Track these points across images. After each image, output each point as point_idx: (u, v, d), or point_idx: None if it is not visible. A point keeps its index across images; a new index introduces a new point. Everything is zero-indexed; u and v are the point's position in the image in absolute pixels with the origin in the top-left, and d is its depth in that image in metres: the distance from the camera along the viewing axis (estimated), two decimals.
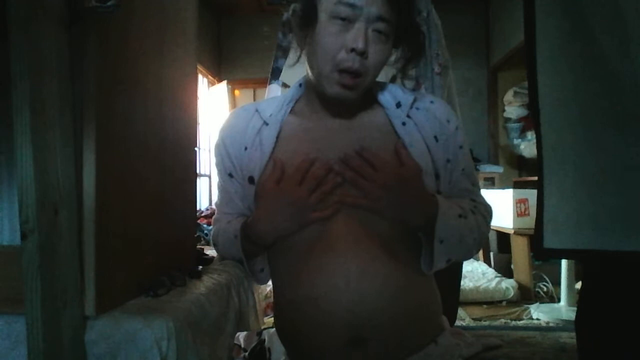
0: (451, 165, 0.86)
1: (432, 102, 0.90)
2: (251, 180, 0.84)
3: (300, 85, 0.91)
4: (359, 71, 0.78)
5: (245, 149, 0.86)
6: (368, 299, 0.76)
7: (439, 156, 0.85)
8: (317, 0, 0.79)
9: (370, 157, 0.76)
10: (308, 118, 0.87)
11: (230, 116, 0.93)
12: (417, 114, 0.87)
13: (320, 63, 0.79)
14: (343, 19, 0.76)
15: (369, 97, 0.89)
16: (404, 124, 0.85)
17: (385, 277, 0.78)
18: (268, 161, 0.83)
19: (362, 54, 0.76)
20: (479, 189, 0.93)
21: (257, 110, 0.89)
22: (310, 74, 0.85)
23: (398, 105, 0.87)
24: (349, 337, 0.76)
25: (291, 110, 0.89)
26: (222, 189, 0.93)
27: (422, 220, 0.78)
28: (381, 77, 0.92)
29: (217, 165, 0.92)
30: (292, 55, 0.90)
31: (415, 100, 0.88)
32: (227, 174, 0.90)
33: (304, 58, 0.86)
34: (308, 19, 0.80)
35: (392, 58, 0.87)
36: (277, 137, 0.85)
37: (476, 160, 4.10)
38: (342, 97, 0.80)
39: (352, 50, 0.76)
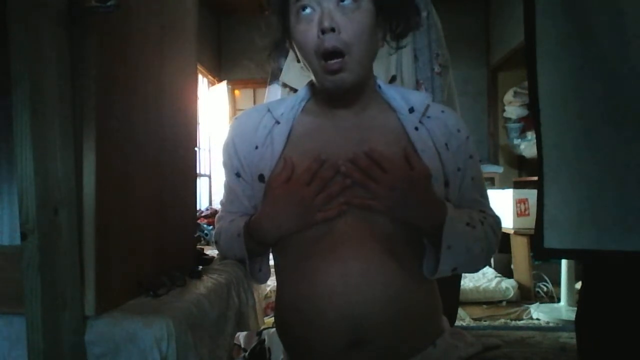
0: (461, 174, 0.87)
1: (443, 111, 0.90)
2: (261, 178, 0.85)
3: (311, 85, 0.91)
4: (338, 48, 0.77)
5: (256, 147, 0.87)
6: (368, 300, 0.76)
7: (449, 164, 0.85)
8: (286, 11, 0.82)
9: (379, 158, 0.76)
10: (319, 117, 0.87)
11: (242, 116, 0.94)
12: (429, 121, 0.87)
13: (306, 60, 0.81)
14: (305, 9, 0.78)
15: (379, 99, 0.89)
16: (416, 129, 0.85)
17: (387, 278, 0.78)
18: (279, 159, 0.83)
19: (332, 30, 0.76)
20: (488, 201, 0.92)
21: (269, 110, 0.90)
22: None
23: (411, 110, 0.87)
24: (349, 338, 0.76)
25: (302, 110, 0.89)
26: (228, 188, 0.93)
27: (429, 224, 0.78)
28: (381, 78, 0.92)
29: (225, 164, 0.93)
30: (287, 73, 0.92)
31: (427, 109, 0.88)
32: (235, 173, 0.90)
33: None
34: (286, 30, 0.83)
35: (380, 35, 0.86)
36: (289, 136, 0.85)
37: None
38: (337, 83, 0.80)
39: (322, 32, 0.77)
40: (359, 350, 0.76)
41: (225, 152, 0.92)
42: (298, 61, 0.87)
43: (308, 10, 0.78)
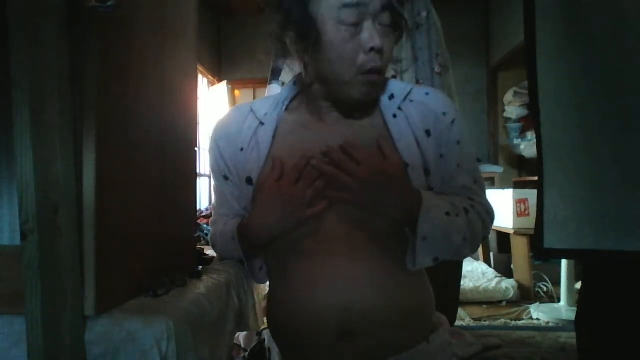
0: (445, 161, 0.84)
1: (427, 93, 0.86)
2: (249, 181, 0.84)
3: (294, 83, 0.90)
4: (382, 69, 0.78)
5: (242, 150, 0.86)
6: (356, 294, 0.77)
7: (430, 151, 0.82)
8: (314, 11, 0.76)
9: (353, 151, 0.75)
10: (304, 115, 0.87)
11: (224, 117, 0.93)
12: (410, 106, 0.84)
13: (339, 71, 0.78)
14: (352, 23, 0.75)
15: None
16: (395, 116, 0.83)
17: (375, 273, 0.78)
18: (266, 161, 0.83)
19: (381, 51, 0.76)
20: (482, 188, 0.89)
21: (251, 110, 0.89)
22: (309, 77, 0.84)
23: (391, 97, 0.86)
24: (338, 331, 0.77)
25: (286, 109, 0.89)
26: (217, 191, 0.93)
27: (404, 215, 0.77)
28: None
29: (212, 167, 0.92)
30: (287, 72, 0.90)
31: (410, 93, 0.86)
32: (222, 176, 0.90)
33: (299, 67, 0.85)
34: (307, 31, 0.77)
35: None
36: (274, 136, 0.85)
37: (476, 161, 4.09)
38: (369, 96, 0.80)
39: (371, 49, 0.75)
40: (348, 343, 0.77)
41: (211, 156, 0.92)
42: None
43: (353, 26, 0.75)
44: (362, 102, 0.81)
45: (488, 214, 0.86)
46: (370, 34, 0.75)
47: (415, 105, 0.85)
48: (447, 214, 0.78)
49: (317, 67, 0.81)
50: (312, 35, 0.77)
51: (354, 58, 0.76)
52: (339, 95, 0.81)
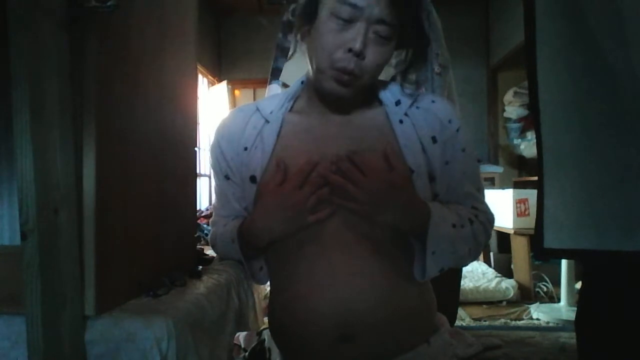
0: (450, 168, 0.84)
1: (433, 101, 0.87)
2: (253, 179, 0.84)
3: (302, 82, 0.90)
4: (354, 72, 0.77)
5: (245, 149, 0.86)
6: (355, 298, 0.77)
7: (435, 158, 0.83)
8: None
9: (360, 161, 0.75)
10: (308, 115, 0.87)
11: (227, 117, 0.93)
12: (417, 112, 0.85)
13: (317, 58, 0.79)
14: (344, 19, 0.75)
15: (371, 95, 0.89)
16: (401, 121, 0.84)
17: (374, 277, 0.78)
18: (270, 159, 0.83)
19: (359, 55, 0.76)
20: (483, 195, 0.90)
21: (257, 109, 0.89)
22: (309, 69, 0.85)
23: (398, 103, 0.86)
24: (338, 334, 0.77)
25: (292, 108, 0.89)
26: (218, 191, 0.93)
27: (411, 226, 0.78)
28: (381, 77, 0.92)
29: (213, 167, 0.92)
30: (291, 49, 0.90)
31: (416, 99, 0.86)
32: (224, 176, 0.90)
33: (303, 55, 0.86)
34: (309, 13, 0.79)
35: (394, 61, 0.87)
36: (278, 135, 0.85)
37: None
38: (336, 92, 0.80)
39: (349, 50, 0.75)
40: (348, 345, 0.77)
41: (213, 155, 0.92)
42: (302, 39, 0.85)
43: (345, 20, 0.75)
44: (333, 96, 0.81)
45: (489, 221, 0.88)
46: (354, 35, 0.75)
47: (422, 112, 0.85)
48: (454, 225, 0.79)
49: (308, 51, 0.83)
50: (312, 17, 0.79)
51: (333, 52, 0.77)
52: (316, 84, 0.83)
